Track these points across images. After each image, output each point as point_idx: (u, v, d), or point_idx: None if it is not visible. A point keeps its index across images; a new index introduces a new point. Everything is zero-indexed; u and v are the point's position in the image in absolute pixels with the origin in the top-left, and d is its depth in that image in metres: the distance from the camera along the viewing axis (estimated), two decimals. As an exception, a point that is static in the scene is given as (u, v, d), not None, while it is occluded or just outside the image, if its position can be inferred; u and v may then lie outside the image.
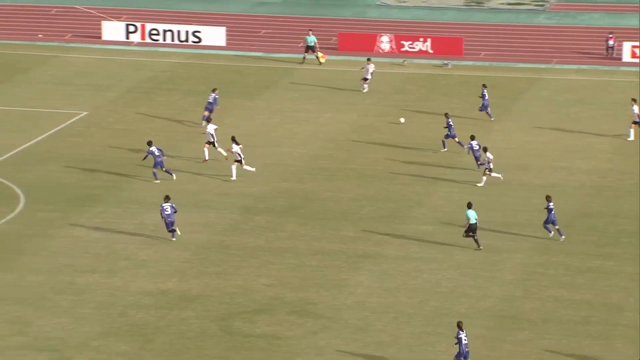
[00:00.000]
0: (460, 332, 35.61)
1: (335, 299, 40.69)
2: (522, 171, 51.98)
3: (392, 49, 68.91)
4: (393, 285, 41.71)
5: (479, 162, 50.65)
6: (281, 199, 48.87)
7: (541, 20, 74.48)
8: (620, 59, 67.28)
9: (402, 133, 56.70)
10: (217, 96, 57.13)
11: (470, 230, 43.60)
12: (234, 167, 49.81)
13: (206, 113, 55.96)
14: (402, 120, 57.40)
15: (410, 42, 68.72)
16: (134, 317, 39.29)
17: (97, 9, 75.32)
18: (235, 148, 49.95)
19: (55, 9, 75.75)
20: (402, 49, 68.76)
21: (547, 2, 78.14)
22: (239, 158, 49.86)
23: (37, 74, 65.03)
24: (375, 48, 68.98)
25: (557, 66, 66.79)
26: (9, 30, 72.06)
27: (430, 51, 68.37)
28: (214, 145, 51.95)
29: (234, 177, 49.85)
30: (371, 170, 52.15)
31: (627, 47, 67.13)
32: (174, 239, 44.59)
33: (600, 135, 56.27)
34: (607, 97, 61.51)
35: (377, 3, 78.34)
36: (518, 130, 57.02)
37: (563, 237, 44.67)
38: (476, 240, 43.96)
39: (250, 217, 47.03)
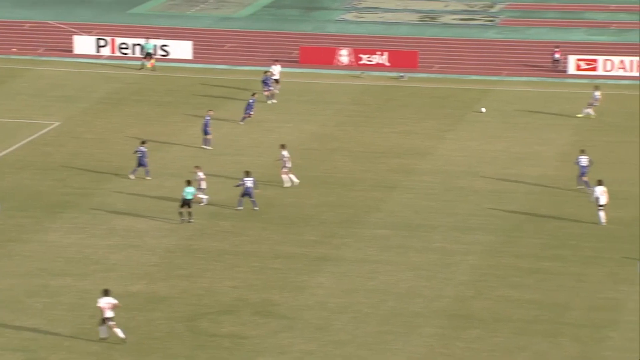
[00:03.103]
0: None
1: (296, 300, 40.60)
2: (475, 178, 52.14)
3: (351, 62, 68.98)
4: (352, 286, 41.67)
5: None
6: (245, 205, 48.72)
7: (491, 34, 74.83)
8: (565, 71, 67.70)
9: (361, 142, 56.75)
10: (254, 100, 58.45)
11: (185, 204, 45.80)
12: None
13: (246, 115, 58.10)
14: (484, 110, 58.40)
15: (368, 56, 68.82)
16: (104, 318, 38.99)
17: (68, 24, 74.91)
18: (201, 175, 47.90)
19: (28, 24, 75.27)
20: (360, 62, 68.84)
21: (497, 17, 78.53)
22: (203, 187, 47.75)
23: (12, 86, 64.56)
24: (335, 61, 69.01)
25: (507, 78, 67.07)
26: (-16, 44, 71.54)
27: (387, 64, 68.50)
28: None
29: None
30: (331, 177, 52.12)
31: (572, 60, 67.57)
32: None
33: (547, 144, 56.55)
34: (554, 108, 61.85)
35: (336, 18, 78.41)
36: (470, 139, 57.19)
37: (256, 207, 47.28)
38: (189, 213, 45.82)
39: (216, 223, 46.87)
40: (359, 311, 39.78)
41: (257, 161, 53.92)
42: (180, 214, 46.02)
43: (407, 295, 40.95)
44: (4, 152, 54.22)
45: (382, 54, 68.59)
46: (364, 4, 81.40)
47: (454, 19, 77.95)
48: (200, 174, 48.30)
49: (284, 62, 67.92)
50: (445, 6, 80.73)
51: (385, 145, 56.26)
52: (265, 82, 61.72)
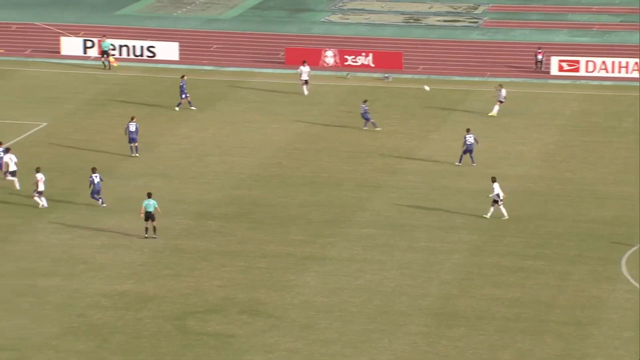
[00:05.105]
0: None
1: (283, 299, 40.65)
2: (459, 177, 52.27)
3: (336, 63, 69.04)
4: (338, 285, 41.74)
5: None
6: (232, 205, 48.75)
7: (475, 36, 75.01)
8: (548, 72, 67.92)
9: (347, 142, 56.83)
10: (367, 107, 57.61)
11: (149, 217, 44.52)
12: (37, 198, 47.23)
13: (370, 120, 57.40)
14: (427, 88, 59.16)
15: (353, 57, 68.89)
16: (92, 317, 39.00)
17: (56, 25, 74.78)
18: (40, 176, 47.16)
19: (15, 26, 75.12)
20: (346, 63, 68.92)
21: (481, 19, 78.74)
22: (41, 189, 46.99)
23: (0, 87, 64.52)
24: (321, 62, 69.06)
25: (490, 79, 67.26)
26: (-29, 45, 71.36)
27: (372, 65, 68.59)
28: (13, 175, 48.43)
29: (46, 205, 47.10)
30: (318, 177, 52.18)
31: (554, 61, 67.81)
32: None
33: (530, 143, 56.73)
34: (536, 108, 62.03)
35: (322, 20, 78.48)
36: (454, 139, 57.31)
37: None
38: (154, 228, 44.38)
39: (203, 223, 46.88)
40: (345, 310, 39.85)
41: (243, 161, 53.96)
42: (146, 229, 44.86)
43: (393, 294, 41.03)
44: (-8, 153, 54.05)
45: (367, 55, 68.69)
46: (349, 6, 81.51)
47: (438, 21, 78.09)
48: (40, 175, 47.17)
49: (270, 64, 67.94)
50: (430, 8, 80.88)
51: (371, 145, 56.34)
52: (181, 88, 60.60)
